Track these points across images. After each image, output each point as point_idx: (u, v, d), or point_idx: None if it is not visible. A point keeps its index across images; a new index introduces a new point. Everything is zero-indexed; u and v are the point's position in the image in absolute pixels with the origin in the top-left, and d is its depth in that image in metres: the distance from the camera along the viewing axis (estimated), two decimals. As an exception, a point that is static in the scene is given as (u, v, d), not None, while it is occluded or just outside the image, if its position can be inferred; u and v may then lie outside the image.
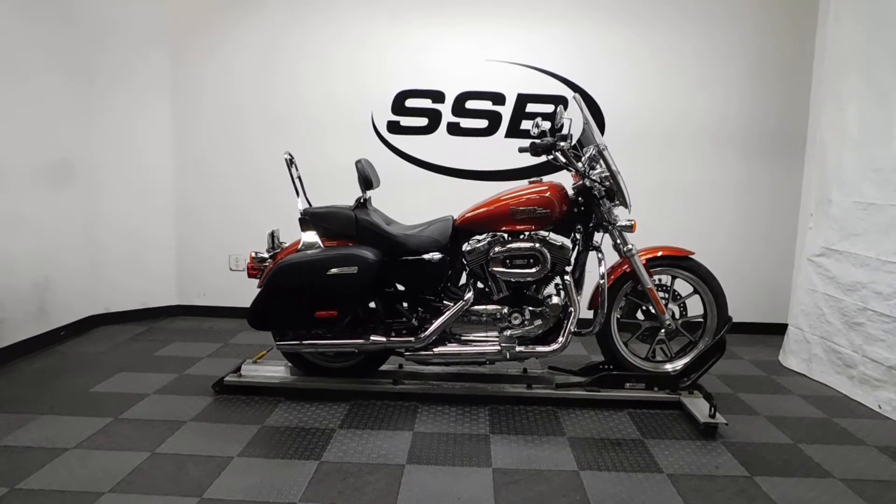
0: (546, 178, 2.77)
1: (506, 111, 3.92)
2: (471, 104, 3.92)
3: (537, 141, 2.60)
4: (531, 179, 2.75)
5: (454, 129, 3.95)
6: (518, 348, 2.64)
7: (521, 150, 2.71)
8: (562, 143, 2.60)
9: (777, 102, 3.86)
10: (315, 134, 3.94)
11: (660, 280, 2.80)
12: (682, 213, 3.93)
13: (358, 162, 2.70)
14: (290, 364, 2.87)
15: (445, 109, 3.93)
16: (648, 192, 3.68)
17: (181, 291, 4.16)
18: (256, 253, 2.70)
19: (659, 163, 3.91)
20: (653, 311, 2.77)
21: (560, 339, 2.64)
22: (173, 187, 4.06)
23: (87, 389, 2.80)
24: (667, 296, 2.80)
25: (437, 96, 3.93)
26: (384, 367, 2.90)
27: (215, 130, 4.02)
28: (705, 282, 2.78)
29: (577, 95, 2.77)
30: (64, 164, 3.55)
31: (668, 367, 2.83)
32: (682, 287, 2.82)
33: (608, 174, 2.62)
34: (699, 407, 2.58)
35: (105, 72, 3.72)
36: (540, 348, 2.66)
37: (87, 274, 3.74)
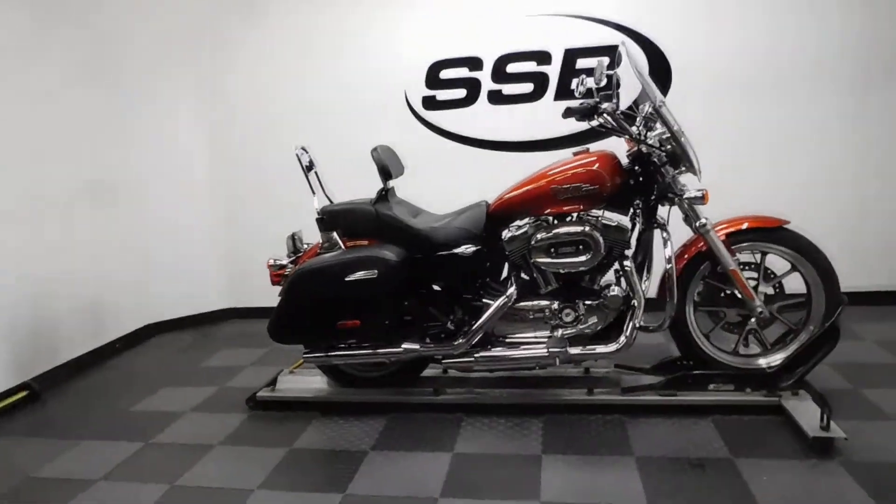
0: (594, 147, 2.32)
1: (553, 71, 3.43)
2: (512, 67, 3.48)
3: (572, 104, 2.14)
4: (575, 150, 2.32)
5: (496, 98, 3.53)
6: (572, 350, 2.26)
7: (565, 115, 2.26)
8: (604, 105, 2.13)
9: (890, 17, 3.09)
10: (347, 120, 3.66)
11: (738, 259, 2.28)
12: (770, 174, 3.28)
13: (374, 150, 2.39)
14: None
15: (484, 77, 3.51)
16: (725, 151, 3.11)
17: (232, 294, 4.10)
18: (275, 260, 2.49)
19: (739, 113, 3.27)
20: (739, 295, 2.27)
21: (622, 336, 2.23)
22: (213, 189, 3.95)
23: (127, 409, 2.76)
24: (756, 276, 2.29)
25: (475, 63, 3.51)
26: (426, 373, 2.61)
27: (250, 127, 3.85)
28: (806, 256, 2.23)
29: (624, 42, 2.28)
30: (106, 179, 3.52)
31: (762, 362, 2.33)
32: (778, 264, 2.29)
33: (669, 136, 2.13)
34: (807, 413, 2.07)
35: (133, 82, 3.62)
36: (598, 349, 2.26)
37: (139, 284, 3.73)
